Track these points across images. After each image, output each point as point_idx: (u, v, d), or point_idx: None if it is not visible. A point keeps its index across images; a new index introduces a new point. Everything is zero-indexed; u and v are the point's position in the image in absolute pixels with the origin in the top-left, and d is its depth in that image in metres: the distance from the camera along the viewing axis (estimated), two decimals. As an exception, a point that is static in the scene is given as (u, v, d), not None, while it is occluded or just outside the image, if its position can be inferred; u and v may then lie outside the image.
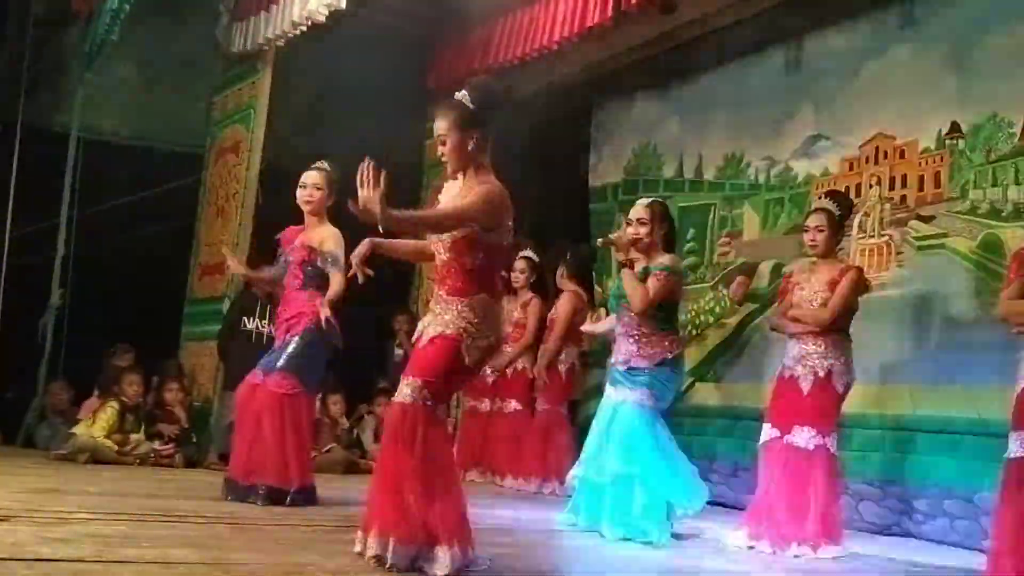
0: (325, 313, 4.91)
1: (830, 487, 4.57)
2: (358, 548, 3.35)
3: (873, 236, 6.02)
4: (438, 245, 3.52)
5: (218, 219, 8.18)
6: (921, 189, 5.82)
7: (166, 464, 6.85)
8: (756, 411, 5.53)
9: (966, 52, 5.65)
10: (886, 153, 6.06)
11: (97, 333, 7.93)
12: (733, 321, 6.95)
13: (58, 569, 2.88)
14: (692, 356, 6.80)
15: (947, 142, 5.68)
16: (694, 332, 7.15)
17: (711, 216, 7.35)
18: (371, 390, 8.11)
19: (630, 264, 4.90)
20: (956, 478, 5.15)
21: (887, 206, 5.99)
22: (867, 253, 6.00)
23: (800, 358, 4.70)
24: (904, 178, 5.93)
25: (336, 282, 4.96)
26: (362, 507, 3.54)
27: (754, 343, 6.68)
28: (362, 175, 3.20)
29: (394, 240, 3.75)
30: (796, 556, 4.42)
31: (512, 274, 7.07)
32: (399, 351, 8.33)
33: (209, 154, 8.56)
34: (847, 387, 4.68)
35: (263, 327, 6.96)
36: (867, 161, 6.18)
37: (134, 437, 6.95)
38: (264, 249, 6.32)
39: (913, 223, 5.80)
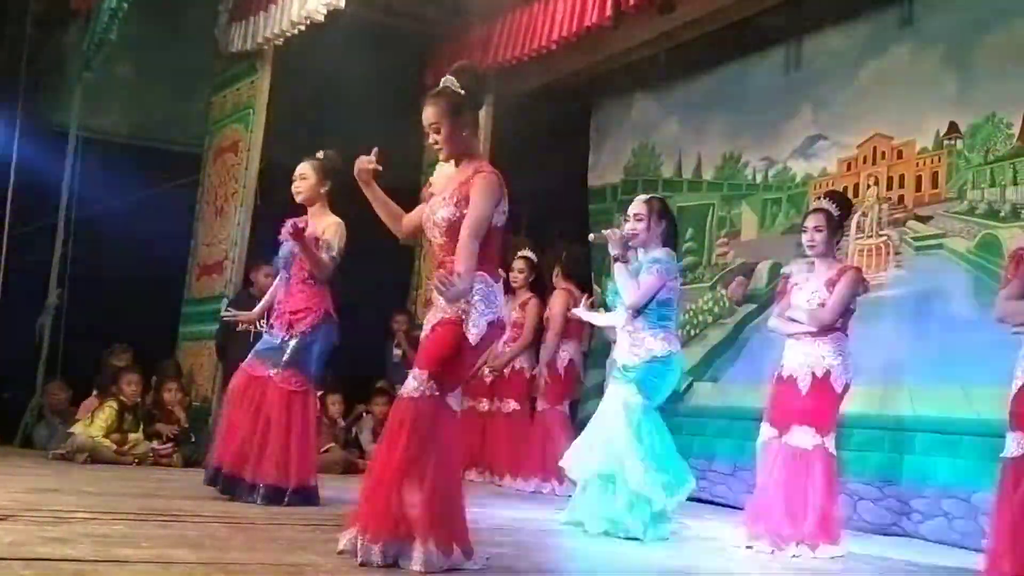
0: (289, 229, 4.87)
1: (828, 487, 4.57)
2: (340, 545, 3.36)
3: (871, 236, 6.03)
4: (434, 229, 3.52)
5: (217, 219, 8.18)
6: (919, 189, 5.82)
7: (164, 464, 6.85)
8: (754, 411, 5.53)
9: (964, 53, 5.65)
10: (884, 153, 6.07)
11: (95, 333, 7.93)
12: (732, 321, 6.96)
13: (57, 569, 2.88)
14: (691, 356, 6.81)
15: (945, 142, 5.68)
16: (693, 332, 7.16)
17: (709, 216, 7.36)
18: (369, 390, 8.11)
19: (624, 259, 4.90)
20: (954, 478, 5.16)
21: (885, 206, 6.00)
22: (865, 253, 6.01)
23: (798, 358, 4.69)
24: (902, 178, 5.94)
25: (324, 262, 4.96)
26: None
27: (752, 343, 6.68)
28: None
29: (382, 196, 3.73)
30: (794, 556, 4.42)
31: (511, 274, 7.06)
32: (397, 351, 8.34)
33: (208, 153, 8.56)
34: (845, 387, 4.67)
35: (261, 327, 6.94)
36: (865, 161, 6.18)
37: (132, 437, 6.95)
38: (264, 249, 6.33)
39: (911, 223, 5.81)
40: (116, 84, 8.77)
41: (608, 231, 5.01)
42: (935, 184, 5.73)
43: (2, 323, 7.53)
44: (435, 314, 3.49)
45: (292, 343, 4.96)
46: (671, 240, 5.03)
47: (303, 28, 7.07)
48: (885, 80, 6.11)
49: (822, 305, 4.67)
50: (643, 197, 5.09)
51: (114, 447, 6.80)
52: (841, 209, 4.84)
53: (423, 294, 8.57)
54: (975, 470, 4.93)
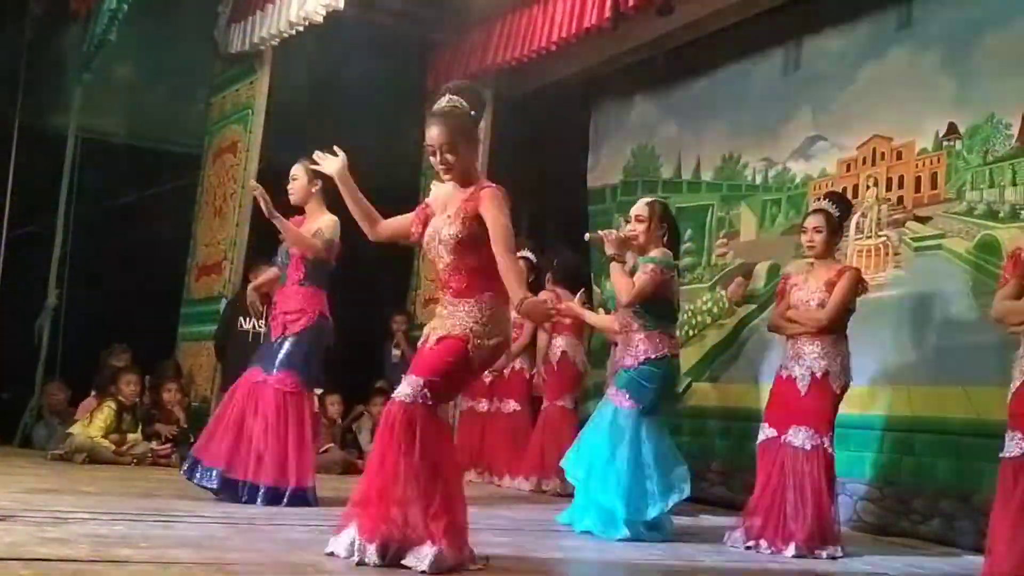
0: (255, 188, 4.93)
1: (827, 487, 4.57)
2: (329, 547, 3.35)
3: (870, 237, 6.03)
4: (439, 248, 3.49)
5: (216, 219, 8.18)
6: (918, 190, 5.82)
7: (163, 464, 6.84)
8: (753, 411, 5.53)
9: (963, 54, 5.65)
10: (883, 154, 6.07)
11: (94, 333, 7.94)
12: (731, 322, 6.96)
13: (56, 569, 2.88)
14: (690, 356, 6.82)
15: (944, 143, 5.68)
16: (692, 332, 7.16)
17: (709, 217, 7.36)
18: (368, 390, 8.11)
19: (620, 259, 4.89)
20: (953, 478, 5.16)
21: (884, 207, 6.00)
22: (864, 254, 6.01)
23: (797, 359, 4.70)
24: (901, 179, 5.94)
25: (306, 239, 4.98)
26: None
27: (752, 344, 6.68)
28: None
29: (358, 195, 3.71)
30: (793, 556, 4.42)
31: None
32: (396, 352, 8.34)
33: (207, 154, 8.55)
34: (844, 388, 4.68)
35: (260, 327, 6.95)
36: (864, 162, 6.18)
37: (131, 437, 6.96)
38: (263, 249, 6.33)
39: (910, 224, 5.81)
40: (115, 85, 8.77)
41: (603, 232, 5.01)
42: (934, 185, 5.73)
43: (1, 323, 7.53)
44: (442, 325, 3.46)
45: (286, 344, 4.98)
46: (673, 245, 5.03)
47: (302, 29, 7.07)
48: (884, 81, 6.11)
49: (821, 306, 4.68)
50: (646, 199, 5.09)
51: (113, 447, 6.80)
52: (841, 210, 4.85)
53: (422, 295, 8.58)
54: (974, 470, 4.93)
